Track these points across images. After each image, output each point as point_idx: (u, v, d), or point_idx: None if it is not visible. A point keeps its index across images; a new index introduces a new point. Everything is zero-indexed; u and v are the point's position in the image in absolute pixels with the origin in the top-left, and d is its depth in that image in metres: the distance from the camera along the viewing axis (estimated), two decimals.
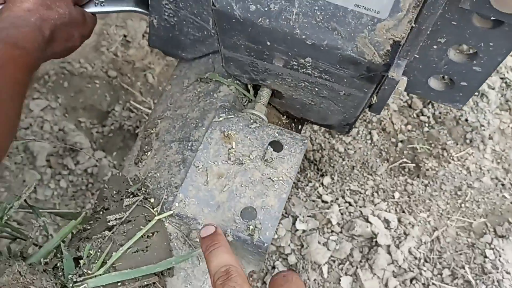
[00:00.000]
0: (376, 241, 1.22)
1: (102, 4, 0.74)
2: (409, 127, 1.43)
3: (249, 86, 0.71)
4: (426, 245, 1.25)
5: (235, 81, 0.71)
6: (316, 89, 0.62)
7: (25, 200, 0.58)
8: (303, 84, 0.63)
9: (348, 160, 1.38)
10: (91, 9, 0.74)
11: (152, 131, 0.73)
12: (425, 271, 1.22)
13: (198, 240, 0.59)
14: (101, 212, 0.63)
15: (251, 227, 0.59)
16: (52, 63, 1.54)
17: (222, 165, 0.63)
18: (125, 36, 1.62)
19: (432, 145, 1.40)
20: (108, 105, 1.51)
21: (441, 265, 1.23)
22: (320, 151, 1.39)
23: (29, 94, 1.47)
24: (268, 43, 0.55)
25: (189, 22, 0.72)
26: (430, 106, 1.47)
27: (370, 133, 1.42)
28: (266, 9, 0.51)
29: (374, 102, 0.72)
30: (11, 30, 0.61)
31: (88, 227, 0.60)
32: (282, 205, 0.61)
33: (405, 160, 1.38)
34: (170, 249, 0.60)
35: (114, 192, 0.65)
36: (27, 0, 0.65)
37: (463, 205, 1.31)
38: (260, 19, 0.52)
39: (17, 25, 0.62)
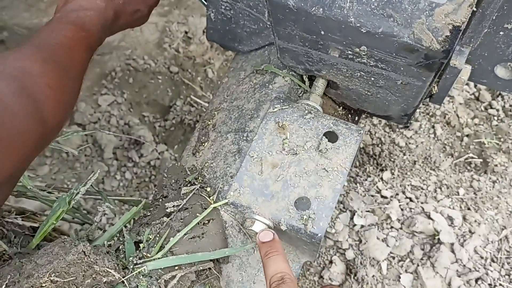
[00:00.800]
0: (439, 239, 1.17)
1: None
2: (476, 120, 1.37)
3: (304, 77, 0.71)
4: (494, 244, 1.19)
5: (290, 72, 0.72)
6: (372, 78, 0.61)
7: (92, 186, 0.61)
8: (358, 74, 0.62)
9: (409, 155, 1.33)
10: None
11: (209, 122, 0.74)
12: (491, 271, 1.16)
13: (252, 228, 0.60)
14: (160, 200, 0.65)
15: (304, 217, 0.59)
16: (118, 60, 1.61)
17: (277, 155, 0.63)
18: (186, 32, 1.67)
19: (502, 139, 1.33)
20: (170, 99, 1.56)
21: (510, 265, 1.16)
22: (380, 145, 1.36)
23: (98, 90, 1.56)
24: (322, 32, 0.55)
25: (245, 14, 0.73)
26: (499, 98, 1.40)
27: (433, 126, 1.37)
28: None
29: (434, 92, 0.70)
30: (80, 13, 0.67)
31: (148, 214, 0.63)
32: (336, 196, 0.60)
33: (471, 155, 1.32)
34: (225, 237, 0.62)
35: (173, 181, 0.67)
36: None
37: None
38: (314, 8, 0.51)
39: (85, 7, 0.68)
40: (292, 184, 0.62)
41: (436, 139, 1.35)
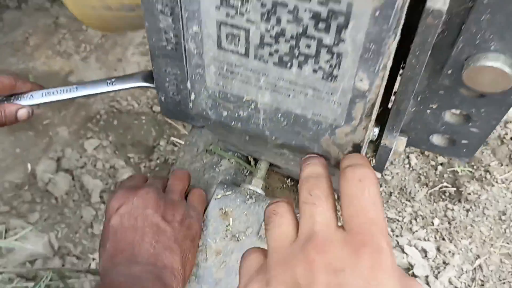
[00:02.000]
0: (413, 272, 1.21)
1: (113, 84, 0.79)
2: None
3: (249, 157, 0.75)
4: (468, 274, 1.22)
5: (236, 154, 0.75)
6: None
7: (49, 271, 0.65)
8: (292, 163, 0.65)
9: (385, 186, 1.36)
10: (104, 89, 0.79)
11: None
12: None
13: None
14: None
15: None
16: (103, 102, 1.66)
17: (220, 242, 0.67)
18: None
19: (475, 167, 1.35)
20: (153, 139, 1.61)
21: None
22: None
23: (84, 134, 1.61)
24: (247, 138, 0.59)
25: None
26: None
27: (408, 157, 1.40)
28: (236, 115, 0.54)
29: (373, 164, 0.73)
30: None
31: None
32: None
33: (445, 184, 1.34)
34: None
35: None
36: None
37: (507, 230, 1.26)
38: (233, 122, 0.55)
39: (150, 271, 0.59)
40: (234, 271, 0.66)
41: (411, 169, 1.38)
